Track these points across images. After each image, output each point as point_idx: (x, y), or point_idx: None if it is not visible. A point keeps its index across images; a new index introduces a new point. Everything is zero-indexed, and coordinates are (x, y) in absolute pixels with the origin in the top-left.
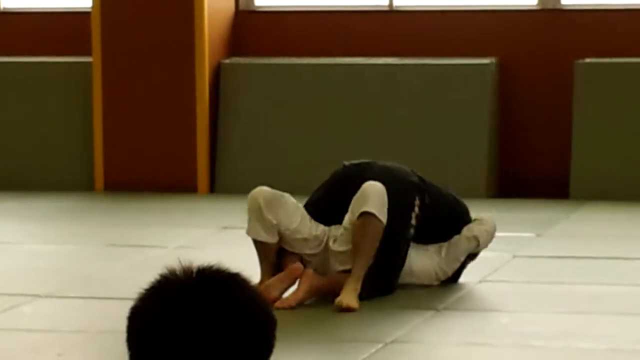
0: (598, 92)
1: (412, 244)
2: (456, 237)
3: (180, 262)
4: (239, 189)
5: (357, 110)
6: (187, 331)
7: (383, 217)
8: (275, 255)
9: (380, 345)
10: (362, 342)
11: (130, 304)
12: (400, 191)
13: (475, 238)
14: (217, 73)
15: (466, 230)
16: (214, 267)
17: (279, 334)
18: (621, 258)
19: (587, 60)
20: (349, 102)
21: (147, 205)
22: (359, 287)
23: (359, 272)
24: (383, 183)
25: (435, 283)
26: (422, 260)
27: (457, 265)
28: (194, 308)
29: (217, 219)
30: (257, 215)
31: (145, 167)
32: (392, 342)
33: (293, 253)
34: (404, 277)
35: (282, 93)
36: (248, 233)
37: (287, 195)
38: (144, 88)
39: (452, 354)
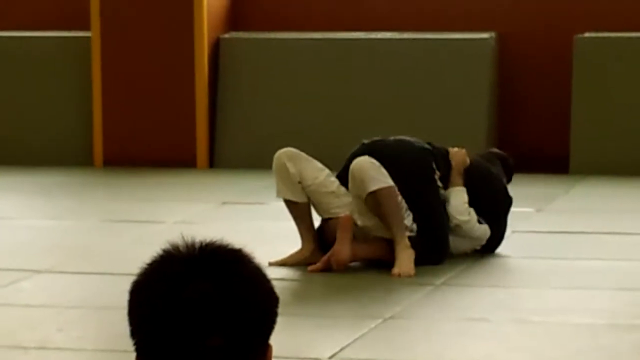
0: (597, 66)
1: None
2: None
3: (182, 237)
4: (239, 163)
5: (357, 84)
6: (189, 306)
7: (384, 182)
8: (310, 217)
9: (379, 321)
10: (360, 317)
11: (130, 279)
12: (417, 158)
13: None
14: (216, 48)
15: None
16: (217, 242)
17: (279, 309)
18: (621, 233)
19: (587, 34)
20: (348, 77)
21: (146, 180)
22: (410, 252)
23: (402, 239)
24: (399, 154)
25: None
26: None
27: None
28: (196, 283)
29: (217, 194)
30: (282, 174)
31: (144, 142)
32: (391, 317)
33: (330, 219)
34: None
35: (281, 68)
36: (277, 195)
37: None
38: (142, 63)
39: (450, 330)
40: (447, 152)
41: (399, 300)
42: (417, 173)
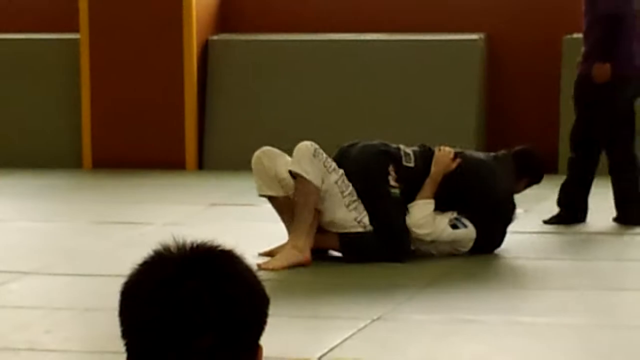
0: None
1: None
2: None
3: (174, 238)
4: (227, 165)
5: (346, 86)
6: (180, 306)
7: (305, 172)
8: (292, 211)
9: (367, 322)
10: (347, 319)
11: (119, 280)
12: (371, 161)
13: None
14: (205, 49)
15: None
16: (208, 244)
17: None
18: (610, 233)
19: (575, 35)
20: (337, 78)
21: (135, 182)
22: (292, 253)
23: (294, 238)
24: (357, 157)
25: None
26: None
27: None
28: (187, 283)
29: (205, 195)
30: (259, 171)
31: (133, 144)
32: (379, 318)
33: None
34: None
35: (270, 69)
36: (258, 193)
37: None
38: (131, 65)
39: (439, 331)
40: (433, 153)
41: (387, 301)
42: (369, 175)
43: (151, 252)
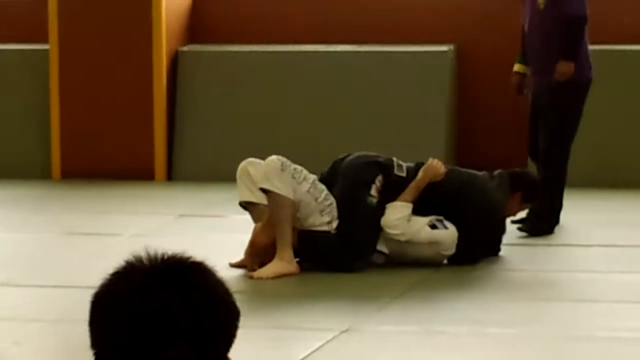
0: None
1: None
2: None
3: (145, 249)
4: (196, 176)
5: (315, 97)
6: (150, 316)
7: (277, 187)
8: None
9: (336, 333)
10: (316, 330)
11: (87, 291)
12: (361, 168)
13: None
14: (175, 60)
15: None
16: (179, 255)
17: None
18: (577, 245)
19: None
20: (307, 89)
21: (104, 192)
22: (281, 264)
23: (281, 250)
24: (349, 163)
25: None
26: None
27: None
28: (158, 293)
29: (174, 206)
30: (244, 177)
31: (103, 154)
32: (348, 330)
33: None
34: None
35: (239, 80)
36: (240, 199)
37: None
38: (101, 76)
39: (408, 342)
40: (419, 166)
41: (356, 313)
42: (353, 182)
43: (122, 263)
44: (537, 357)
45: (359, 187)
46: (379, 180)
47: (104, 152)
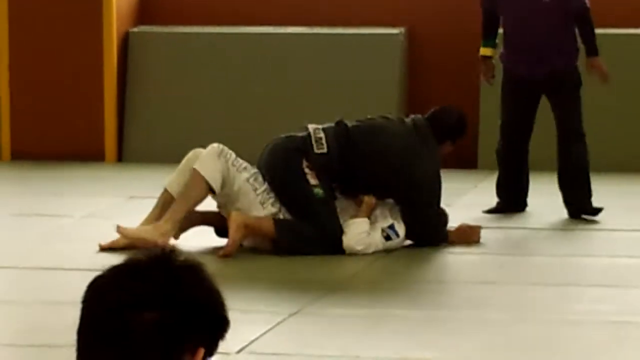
0: None
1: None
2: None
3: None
4: (147, 157)
5: (265, 79)
6: (132, 280)
7: (199, 165)
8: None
9: (285, 316)
10: (265, 313)
11: (38, 273)
12: (282, 164)
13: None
14: (126, 42)
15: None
16: (168, 251)
17: None
18: (528, 228)
19: None
20: (256, 72)
21: (54, 174)
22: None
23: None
24: (268, 159)
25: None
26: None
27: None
28: (146, 270)
29: (125, 188)
30: (184, 170)
31: (53, 136)
32: (297, 312)
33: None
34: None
35: (190, 62)
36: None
37: None
38: (51, 57)
39: (357, 326)
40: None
41: (306, 295)
42: (285, 182)
43: (124, 259)
44: (489, 339)
45: (296, 185)
46: (306, 167)
47: (54, 133)
